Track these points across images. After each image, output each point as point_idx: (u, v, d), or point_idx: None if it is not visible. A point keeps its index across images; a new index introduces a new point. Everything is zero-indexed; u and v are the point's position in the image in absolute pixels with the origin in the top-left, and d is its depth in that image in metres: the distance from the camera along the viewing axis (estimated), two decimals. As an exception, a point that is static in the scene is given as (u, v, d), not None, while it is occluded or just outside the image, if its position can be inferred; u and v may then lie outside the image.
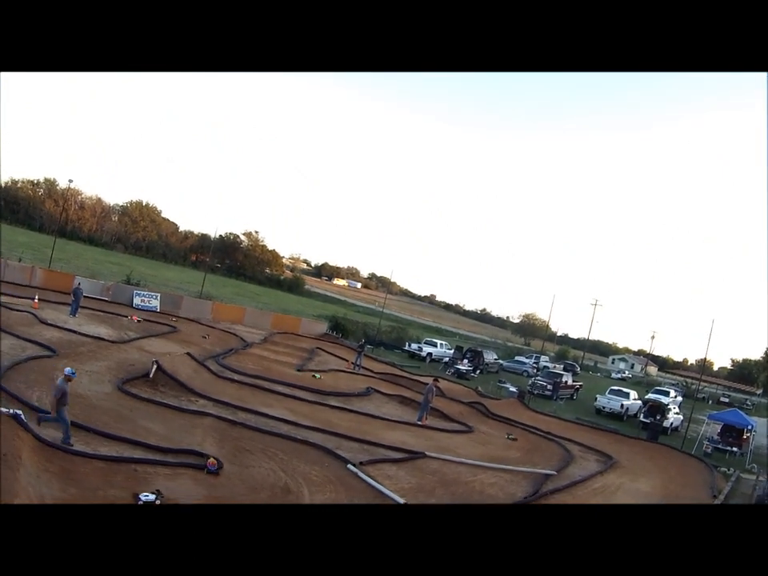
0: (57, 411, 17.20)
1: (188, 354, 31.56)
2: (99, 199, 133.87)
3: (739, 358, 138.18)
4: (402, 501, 18.19)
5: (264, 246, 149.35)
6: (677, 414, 48.38)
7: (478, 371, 57.81)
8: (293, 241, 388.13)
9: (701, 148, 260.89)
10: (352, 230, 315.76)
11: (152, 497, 14.99)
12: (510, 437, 31.59)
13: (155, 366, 25.93)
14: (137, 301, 48.97)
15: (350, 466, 20.49)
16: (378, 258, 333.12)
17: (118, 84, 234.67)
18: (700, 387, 67.40)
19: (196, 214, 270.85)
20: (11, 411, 16.58)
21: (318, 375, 36.56)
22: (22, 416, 16.58)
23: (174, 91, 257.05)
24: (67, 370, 17.98)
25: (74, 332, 32.37)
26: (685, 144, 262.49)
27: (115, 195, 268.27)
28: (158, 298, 50.97)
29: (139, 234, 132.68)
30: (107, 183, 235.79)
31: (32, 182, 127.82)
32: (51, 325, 32.84)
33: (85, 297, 40.05)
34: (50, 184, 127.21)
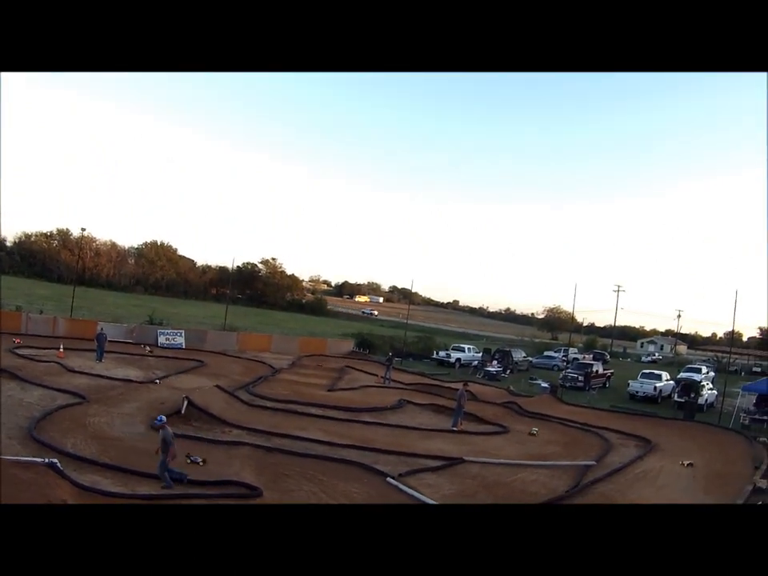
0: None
1: (217, 386, 31.65)
2: (114, 244, 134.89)
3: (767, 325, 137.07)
4: (446, 508, 18.18)
5: (283, 272, 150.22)
6: (711, 389, 48.21)
7: (508, 371, 57.67)
8: (311, 263, 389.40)
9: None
10: (368, 245, 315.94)
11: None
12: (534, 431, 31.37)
13: (186, 402, 25.99)
14: (162, 339, 49.15)
15: (389, 479, 20.48)
16: (398, 270, 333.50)
17: (122, 97, 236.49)
18: (731, 360, 66.90)
19: (211, 246, 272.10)
20: (47, 460, 16.69)
21: (535, 430, 33.46)
22: (58, 464, 16.69)
23: (164, 115, 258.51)
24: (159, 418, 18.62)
25: (103, 377, 32.53)
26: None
27: (127, 235, 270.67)
28: (183, 334, 51.09)
29: (157, 274, 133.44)
30: (116, 221, 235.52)
31: (45, 234, 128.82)
32: (79, 372, 32.98)
33: (110, 341, 40.14)
34: (64, 234, 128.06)
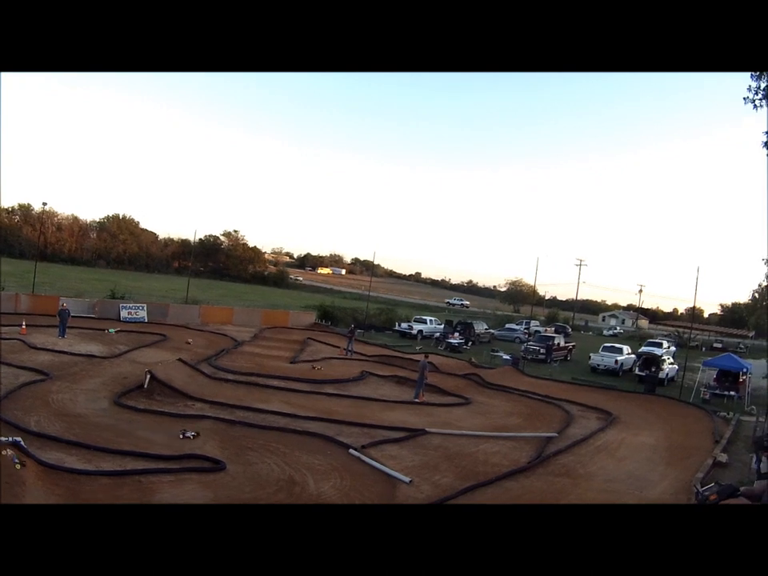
0: None
1: (180, 359, 31.61)
2: (76, 218, 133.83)
3: (728, 302, 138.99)
4: (407, 480, 18.44)
5: (245, 244, 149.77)
6: (671, 364, 48.76)
7: (470, 343, 57.99)
8: (273, 235, 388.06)
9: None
10: (330, 217, 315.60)
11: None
12: None
13: (149, 376, 25.96)
14: (124, 314, 48.89)
15: (351, 450, 20.70)
16: (360, 242, 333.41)
17: (80, 82, 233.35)
18: (692, 335, 67.53)
19: (173, 219, 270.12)
20: (11, 439, 16.63)
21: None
22: (22, 443, 16.66)
23: (128, 89, 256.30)
24: None
25: (65, 353, 32.35)
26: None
27: (89, 209, 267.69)
28: (145, 308, 50.82)
29: (120, 248, 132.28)
30: (77, 194, 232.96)
31: (6, 209, 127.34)
32: (42, 349, 32.72)
33: (73, 316, 39.84)
34: (25, 209, 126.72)
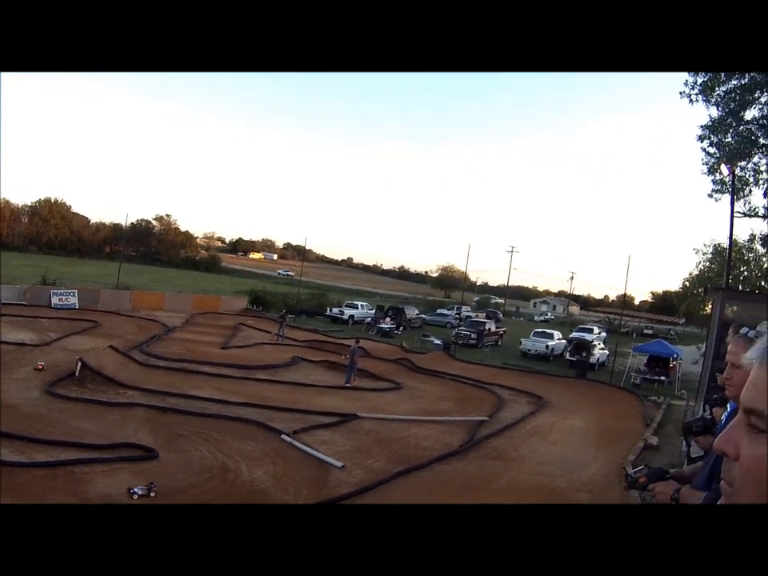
0: None
1: (111, 346, 31.38)
2: (7, 201, 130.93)
3: (659, 290, 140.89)
4: (339, 465, 18.67)
5: (177, 229, 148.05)
6: (602, 349, 49.75)
7: (402, 328, 58.53)
8: (205, 219, 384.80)
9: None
10: (262, 201, 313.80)
11: (142, 490, 15.31)
12: None
13: (80, 364, 25.78)
14: (55, 300, 48.20)
15: (283, 436, 20.86)
16: (292, 227, 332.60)
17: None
18: (623, 322, 68.75)
19: (105, 203, 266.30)
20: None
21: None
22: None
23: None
24: None
25: (-6, 341, 31.89)
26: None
27: (21, 192, 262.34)
28: (76, 294, 50.29)
29: (51, 233, 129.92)
30: (9, 177, 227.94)
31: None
32: (-30, 337, 32.30)
33: (3, 304, 39.42)
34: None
